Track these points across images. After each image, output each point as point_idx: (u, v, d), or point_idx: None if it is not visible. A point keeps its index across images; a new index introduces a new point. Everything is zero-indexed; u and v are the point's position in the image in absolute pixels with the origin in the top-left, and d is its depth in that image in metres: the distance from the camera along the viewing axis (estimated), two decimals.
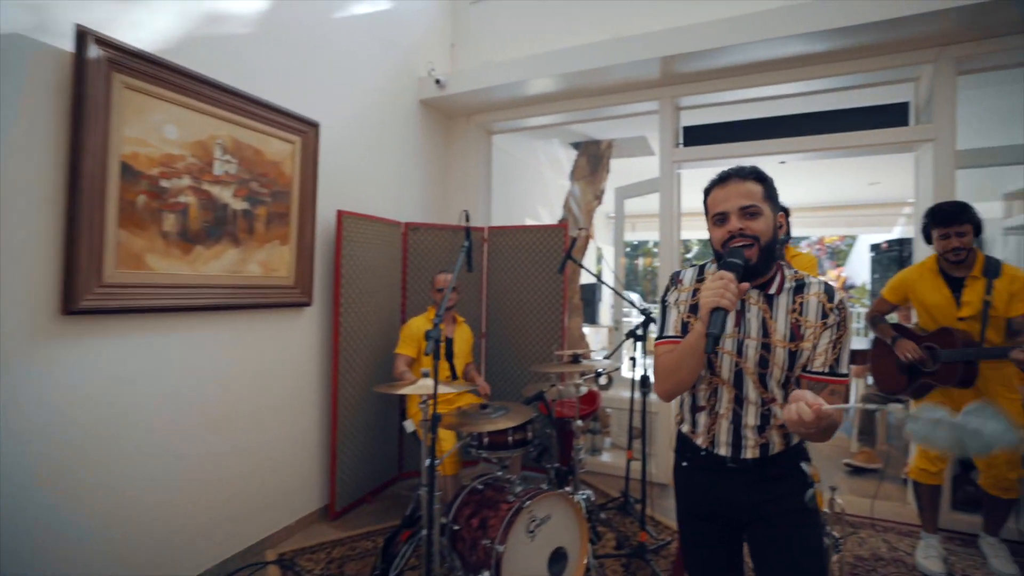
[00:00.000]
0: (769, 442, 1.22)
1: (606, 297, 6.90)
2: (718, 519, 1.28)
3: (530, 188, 5.73)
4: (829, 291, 1.18)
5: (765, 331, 1.18)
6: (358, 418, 3.00)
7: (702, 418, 1.27)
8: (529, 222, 5.63)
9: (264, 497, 2.53)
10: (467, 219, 2.04)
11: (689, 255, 15.47)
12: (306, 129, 2.69)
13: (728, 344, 1.21)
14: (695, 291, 1.29)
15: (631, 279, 16.35)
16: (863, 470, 3.54)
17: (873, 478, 3.41)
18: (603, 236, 8.59)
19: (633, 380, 2.77)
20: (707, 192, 1.25)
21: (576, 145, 4.82)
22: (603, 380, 3.94)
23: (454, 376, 2.89)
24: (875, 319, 2.62)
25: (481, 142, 4.04)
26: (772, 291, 1.20)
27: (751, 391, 1.20)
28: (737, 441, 1.22)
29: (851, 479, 3.47)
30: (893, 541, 2.64)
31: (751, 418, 1.21)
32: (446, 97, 3.66)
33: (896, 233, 7.91)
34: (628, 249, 15.63)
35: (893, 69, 2.86)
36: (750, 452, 1.21)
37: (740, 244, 1.14)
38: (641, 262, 16.26)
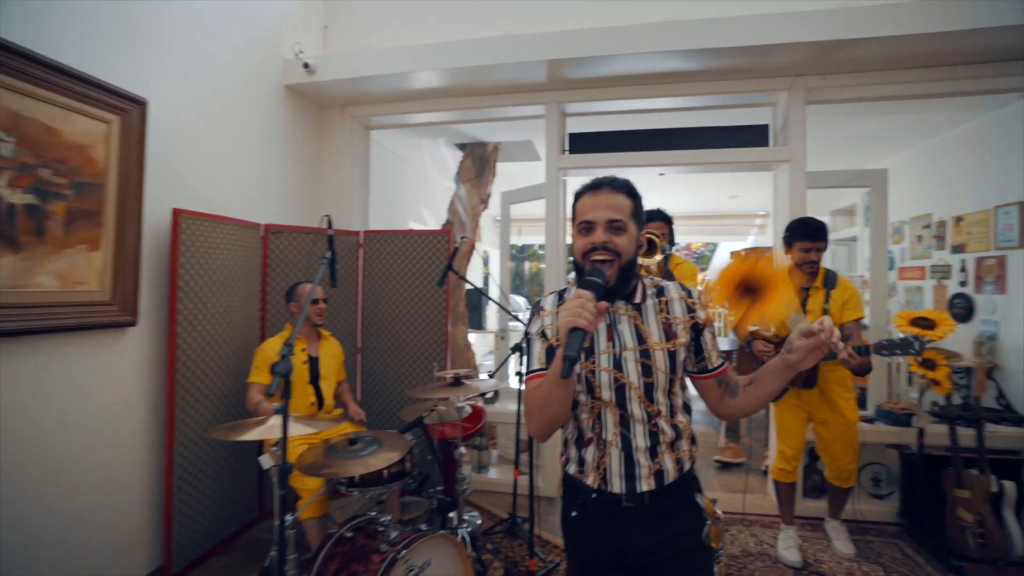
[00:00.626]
0: (663, 468, 1.14)
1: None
2: (613, 571, 1.16)
3: (414, 189, 5.43)
4: (686, 288, 1.23)
5: (640, 338, 1.16)
6: (203, 457, 2.52)
7: (590, 453, 1.17)
8: (413, 225, 5.34)
9: (71, 567, 1.99)
10: (330, 224, 1.73)
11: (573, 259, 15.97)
12: (127, 107, 2.18)
13: (604, 360, 1.16)
14: (556, 315, 1.21)
15: (518, 282, 16.61)
16: (730, 465, 3.80)
17: (740, 473, 3.67)
18: (490, 239, 8.53)
19: (520, 392, 2.64)
20: (577, 196, 1.20)
21: (462, 146, 4.63)
22: (489, 394, 3.80)
23: (320, 403, 2.53)
24: (738, 327, 2.78)
25: (358, 137, 3.69)
26: (638, 300, 1.20)
27: (636, 407, 1.14)
28: (630, 470, 1.14)
29: (721, 475, 3.70)
30: (760, 535, 2.81)
31: (640, 439, 1.14)
32: (317, 84, 3.26)
33: (750, 242, 8.85)
34: (514, 251, 15.86)
35: (755, 93, 3.07)
36: (645, 483, 1.13)
37: (600, 259, 1.11)
38: (528, 265, 16.61)
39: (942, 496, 2.63)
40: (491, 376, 2.80)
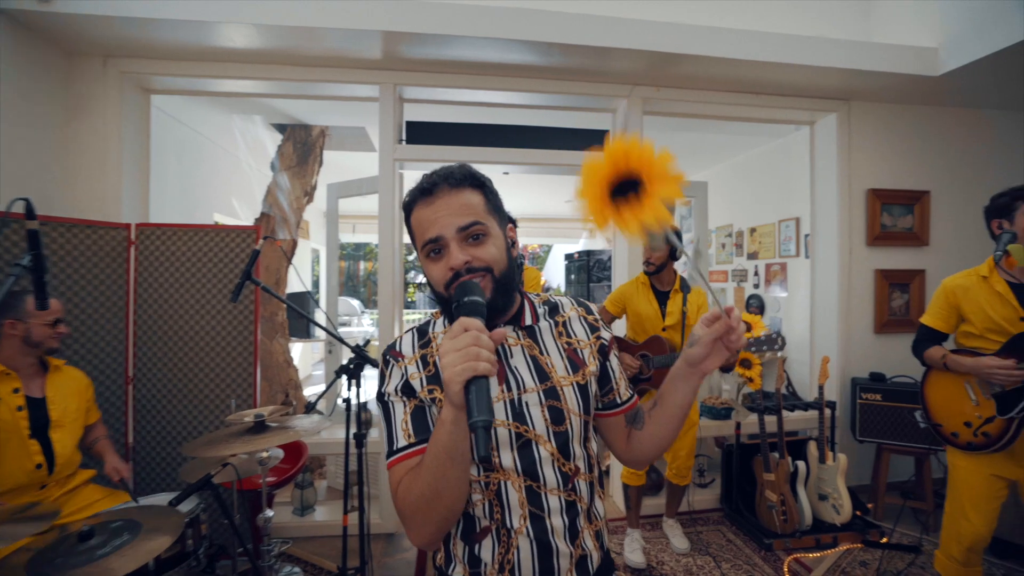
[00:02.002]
0: (586, 552, 0.87)
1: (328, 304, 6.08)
2: None
3: (224, 176, 4.52)
4: (581, 303, 1.00)
5: (542, 373, 0.88)
6: None
7: (487, 549, 0.85)
8: (220, 219, 4.43)
9: None
10: (30, 212, 1.09)
11: (412, 256, 15.55)
12: None
13: (499, 412, 0.85)
14: (424, 359, 0.88)
15: (352, 284, 15.51)
16: None
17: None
18: (320, 237, 7.68)
19: (348, 418, 2.20)
20: (408, 209, 0.89)
21: (281, 127, 3.93)
22: (317, 415, 3.24)
23: (52, 464, 1.77)
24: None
25: (131, 102, 2.82)
26: (528, 322, 0.91)
27: (548, 470, 0.85)
28: (547, 565, 0.84)
29: None
30: (611, 544, 2.79)
31: (557, 517, 0.84)
32: (59, 18, 2.36)
33: (581, 245, 9.42)
34: (349, 250, 14.76)
35: (597, 97, 3.07)
36: None
37: (469, 278, 0.82)
38: (364, 265, 15.59)
39: (754, 480, 2.90)
40: (311, 408, 2.29)
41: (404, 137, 3.02)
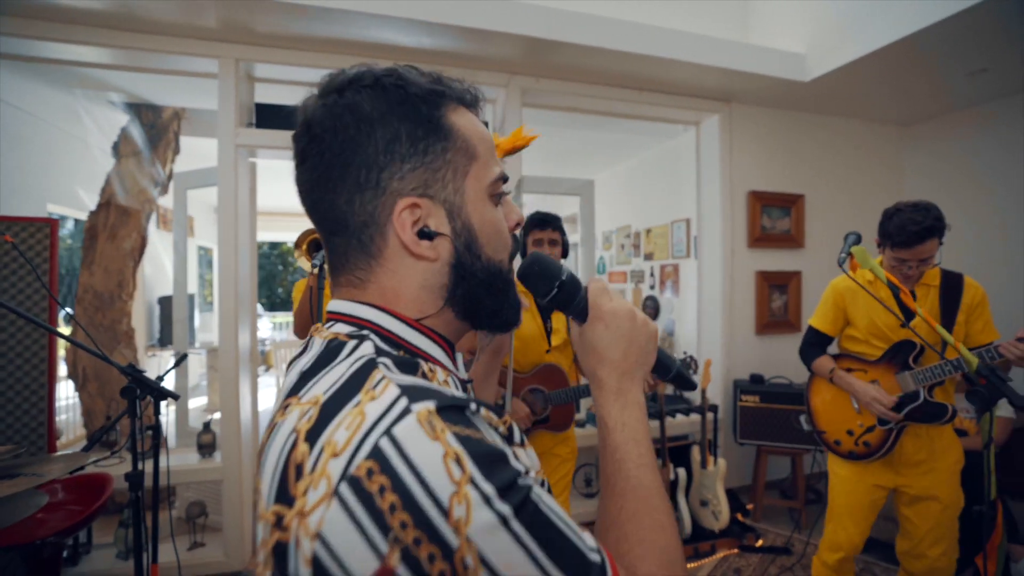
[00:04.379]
0: None
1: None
2: None
3: (64, 162, 3.88)
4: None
5: None
6: None
7: None
8: (56, 210, 3.81)
9: None
10: None
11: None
12: None
13: None
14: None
15: (269, 285, 14.51)
16: None
17: None
18: (211, 234, 6.98)
19: (156, 448, 1.83)
20: (443, 102, 0.53)
21: (128, 107, 3.40)
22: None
23: None
24: None
25: None
26: None
27: None
28: None
29: None
30: None
31: None
32: None
33: None
34: (264, 248, 13.78)
35: (477, 85, 2.86)
36: None
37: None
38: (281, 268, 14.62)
39: None
40: (93, 443, 1.83)
41: (254, 120, 2.65)
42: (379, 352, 0.47)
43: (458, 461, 0.37)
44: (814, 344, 2.02)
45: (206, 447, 2.54)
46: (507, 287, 0.56)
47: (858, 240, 1.56)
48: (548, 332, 2.02)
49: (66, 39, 2.36)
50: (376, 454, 0.37)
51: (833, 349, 2.01)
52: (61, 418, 3.90)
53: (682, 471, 2.76)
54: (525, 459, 0.45)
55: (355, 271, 0.52)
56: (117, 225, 3.26)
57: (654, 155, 4.52)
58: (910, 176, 3.75)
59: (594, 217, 3.54)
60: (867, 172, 3.62)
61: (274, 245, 14.21)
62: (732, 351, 3.32)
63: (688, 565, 2.58)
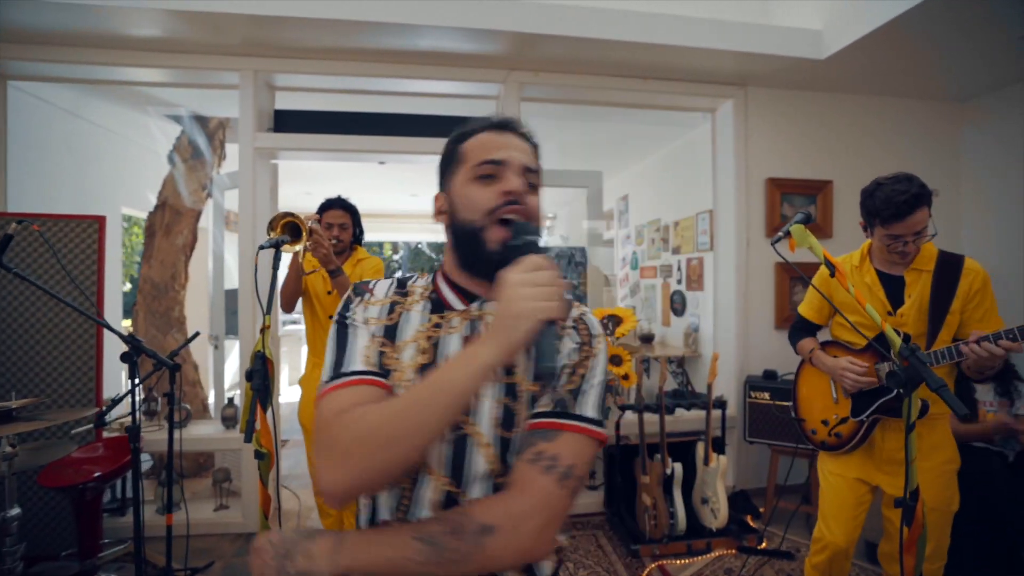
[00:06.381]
0: None
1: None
2: None
3: (133, 168, 4.43)
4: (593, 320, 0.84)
5: (508, 367, 0.73)
6: None
7: None
8: (130, 212, 4.37)
9: None
10: None
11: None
12: None
13: None
14: (391, 306, 0.80)
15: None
16: None
17: None
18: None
19: (172, 411, 2.09)
20: (465, 136, 0.80)
21: (177, 119, 3.84)
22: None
23: None
24: None
25: None
26: None
27: (477, 480, 0.71)
28: None
29: None
30: None
31: None
32: None
33: None
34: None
35: (475, 83, 2.96)
36: None
37: (527, 220, 0.72)
38: None
39: (635, 484, 2.77)
40: (106, 412, 2.10)
41: (273, 126, 2.91)
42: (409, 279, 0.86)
43: None
44: (800, 330, 1.97)
45: (228, 420, 2.83)
46: (474, 239, 0.73)
47: (806, 219, 1.49)
48: None
49: (122, 63, 2.73)
50: None
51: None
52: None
53: (678, 466, 2.69)
54: (374, 329, 0.77)
55: None
56: (171, 223, 3.69)
57: (680, 145, 4.39)
58: (967, 157, 3.37)
59: (601, 206, 3.51)
60: (898, 151, 3.30)
61: None
62: (747, 346, 3.17)
63: (678, 562, 2.51)
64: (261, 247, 1.60)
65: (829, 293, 1.83)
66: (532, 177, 0.76)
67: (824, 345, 1.87)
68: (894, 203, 1.56)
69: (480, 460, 0.70)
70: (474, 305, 0.78)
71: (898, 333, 1.51)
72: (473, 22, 2.52)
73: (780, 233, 1.48)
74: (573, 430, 0.69)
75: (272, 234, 1.75)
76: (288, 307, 2.25)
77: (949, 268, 1.65)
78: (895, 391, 1.60)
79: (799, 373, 2.01)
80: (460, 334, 0.76)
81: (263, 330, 1.47)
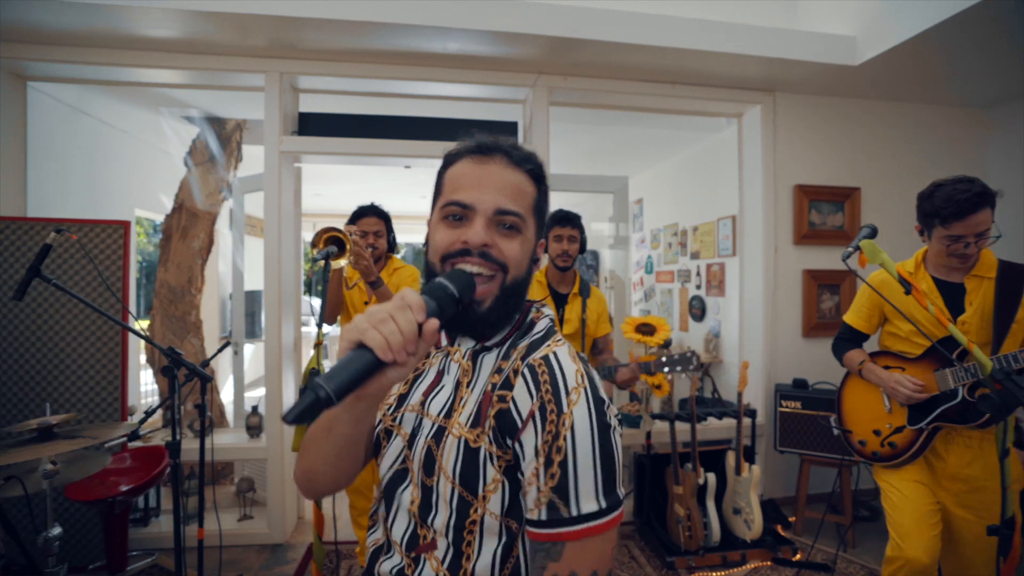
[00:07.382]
0: None
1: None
2: None
3: (148, 170, 4.36)
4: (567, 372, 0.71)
5: (450, 407, 0.72)
6: None
7: (385, 565, 0.75)
8: (143, 214, 4.30)
9: None
10: None
11: None
12: None
13: (408, 421, 0.75)
14: None
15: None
16: None
17: None
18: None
19: (203, 424, 2.04)
20: (449, 162, 0.76)
21: (192, 120, 3.77)
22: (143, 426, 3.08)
23: None
24: None
25: (2, 88, 2.68)
26: (494, 341, 0.75)
27: (400, 519, 0.74)
28: None
29: None
30: None
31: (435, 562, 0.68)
32: None
33: None
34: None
35: (503, 87, 2.91)
36: None
37: (473, 270, 0.68)
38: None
39: (666, 493, 2.74)
40: (139, 425, 2.05)
41: (297, 129, 2.86)
42: None
43: None
44: (846, 340, 1.91)
45: (254, 428, 2.78)
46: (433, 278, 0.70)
47: (872, 233, 1.46)
48: (560, 322, 2.13)
49: (144, 64, 2.67)
50: None
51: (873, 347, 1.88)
52: (142, 401, 4.39)
53: (712, 476, 2.66)
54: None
55: None
56: (188, 226, 3.63)
57: (700, 149, 4.35)
58: (994, 163, 3.36)
59: (627, 211, 3.47)
60: (928, 159, 3.28)
61: None
62: (775, 354, 3.14)
63: (714, 574, 2.49)
64: (314, 260, 1.55)
65: (879, 302, 1.78)
66: (513, 219, 0.70)
67: (874, 356, 1.83)
68: (955, 201, 1.53)
69: (406, 497, 0.73)
70: (455, 344, 0.79)
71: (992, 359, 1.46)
72: (505, 25, 2.48)
73: (850, 248, 1.45)
74: (576, 537, 0.60)
75: (314, 250, 1.71)
76: (331, 319, 2.21)
77: (1013, 275, 1.61)
78: (960, 398, 1.57)
79: (843, 386, 1.96)
80: (436, 368, 0.79)
81: (317, 346, 1.42)
